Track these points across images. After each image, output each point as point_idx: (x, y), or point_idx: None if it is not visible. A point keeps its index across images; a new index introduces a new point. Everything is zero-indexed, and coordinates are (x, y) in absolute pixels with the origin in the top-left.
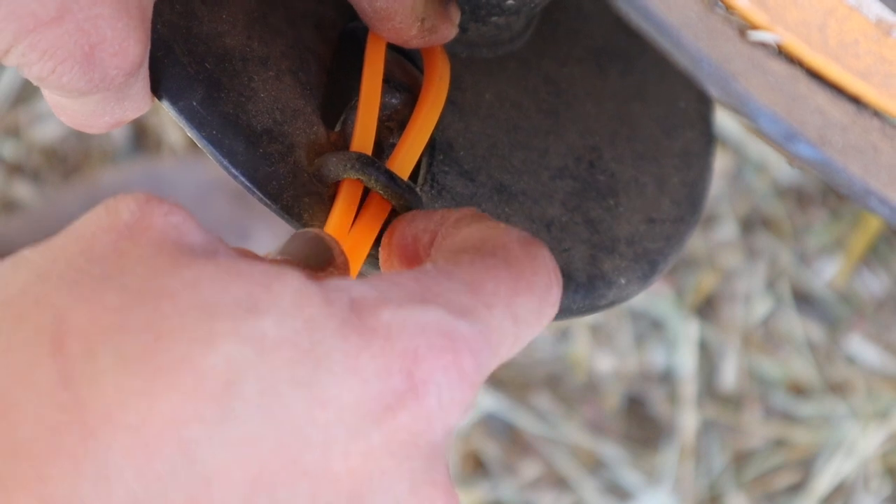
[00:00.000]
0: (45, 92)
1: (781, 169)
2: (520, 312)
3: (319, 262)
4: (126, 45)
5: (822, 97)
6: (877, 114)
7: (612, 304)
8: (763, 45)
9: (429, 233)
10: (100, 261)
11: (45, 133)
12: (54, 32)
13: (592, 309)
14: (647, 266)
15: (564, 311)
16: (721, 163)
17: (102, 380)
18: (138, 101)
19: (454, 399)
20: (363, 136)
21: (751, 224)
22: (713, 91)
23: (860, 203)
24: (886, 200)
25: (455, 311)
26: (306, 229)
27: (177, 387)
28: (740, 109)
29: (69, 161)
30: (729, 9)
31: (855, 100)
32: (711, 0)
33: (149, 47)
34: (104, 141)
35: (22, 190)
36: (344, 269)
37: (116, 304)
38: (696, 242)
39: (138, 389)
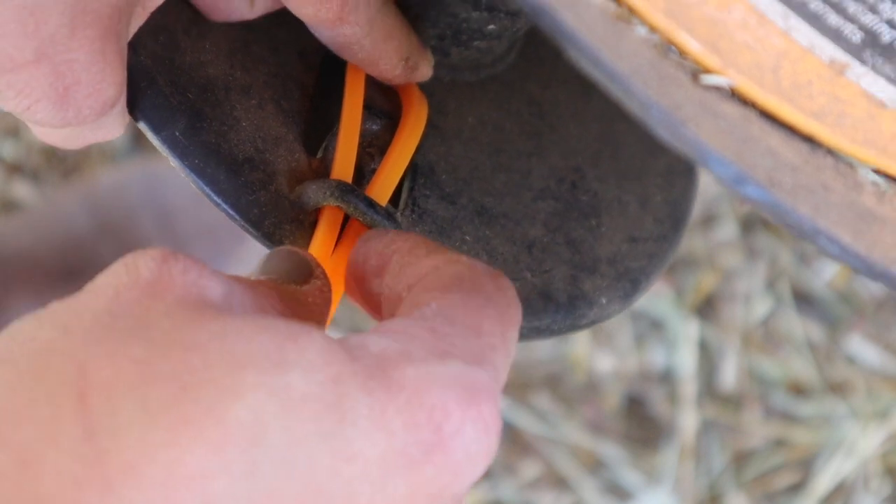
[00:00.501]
0: None
1: None
2: (510, 346)
3: (300, 276)
4: (101, 87)
5: (774, 138)
6: (830, 152)
7: (592, 322)
8: (716, 89)
9: (377, 256)
10: (124, 316)
11: None
12: (30, 73)
13: (573, 328)
14: (629, 285)
15: (545, 332)
16: None
17: (125, 432)
18: (112, 129)
19: (481, 450)
20: (343, 164)
21: (751, 224)
22: (663, 136)
23: (810, 241)
24: (835, 238)
25: (471, 360)
26: (280, 247)
27: (202, 439)
28: (691, 154)
29: (69, 161)
30: (682, 54)
31: (808, 139)
32: (664, 46)
33: (124, 86)
34: (104, 141)
35: (22, 190)
36: (324, 281)
37: (142, 357)
38: (696, 242)
39: (162, 441)
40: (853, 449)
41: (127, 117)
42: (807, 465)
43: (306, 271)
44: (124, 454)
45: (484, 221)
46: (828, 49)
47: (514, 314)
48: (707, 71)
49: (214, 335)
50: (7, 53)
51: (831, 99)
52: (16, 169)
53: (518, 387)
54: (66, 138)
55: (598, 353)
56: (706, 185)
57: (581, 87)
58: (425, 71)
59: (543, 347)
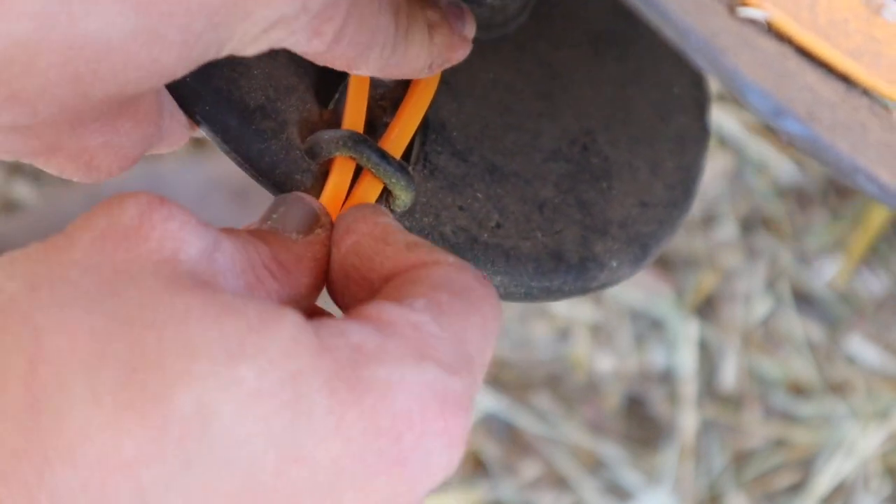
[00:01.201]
0: None
1: (781, 169)
2: (487, 358)
3: (304, 225)
4: (121, 153)
5: (811, 75)
6: (866, 92)
7: (603, 286)
8: (752, 22)
9: (343, 224)
10: (93, 273)
11: None
12: (47, 157)
13: (583, 291)
14: (639, 249)
15: (556, 293)
16: (721, 163)
17: (69, 411)
18: (177, 140)
19: (441, 464)
20: (354, 114)
21: (751, 224)
22: (701, 64)
23: (848, 180)
24: (874, 177)
25: (447, 367)
26: (286, 194)
27: (142, 426)
28: (729, 85)
29: None
30: None
31: (844, 78)
32: None
33: (149, 138)
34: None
35: (22, 190)
36: (328, 227)
37: (99, 330)
38: (696, 242)
39: (103, 424)
40: (853, 449)
41: (189, 130)
42: (807, 465)
43: (311, 219)
44: (65, 433)
45: (495, 179)
46: None
47: (496, 325)
48: (744, 3)
49: (175, 315)
50: (16, 149)
51: (867, 38)
52: (16, 169)
53: (518, 387)
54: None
55: (598, 353)
56: (707, 186)
57: (593, 50)
58: (460, 54)
59: (543, 347)
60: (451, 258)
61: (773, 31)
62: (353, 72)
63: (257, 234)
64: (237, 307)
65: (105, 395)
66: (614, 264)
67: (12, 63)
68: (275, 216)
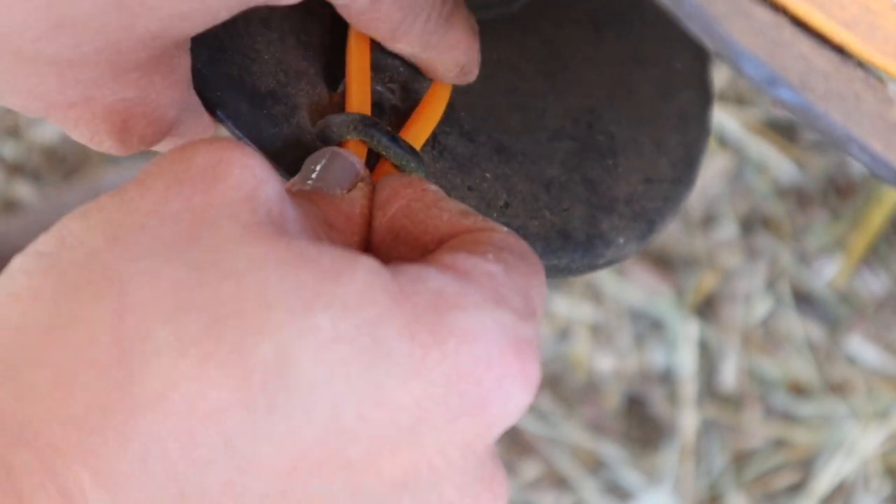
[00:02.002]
0: None
1: (781, 169)
2: (541, 316)
3: (346, 180)
4: (157, 113)
5: (805, 45)
6: (860, 64)
7: (609, 262)
8: None
9: (389, 189)
10: (171, 221)
11: (45, 133)
12: (81, 111)
13: (591, 268)
14: (645, 225)
15: (564, 270)
16: (721, 163)
17: (156, 361)
18: (196, 133)
19: (518, 406)
20: (359, 97)
21: (751, 224)
22: (696, 32)
23: (841, 149)
24: (867, 148)
25: (520, 314)
26: (322, 149)
27: (226, 374)
28: (723, 52)
29: (69, 161)
30: None
31: (839, 49)
32: None
33: (185, 102)
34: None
35: (22, 190)
36: (370, 183)
37: (181, 281)
38: (696, 242)
39: (189, 374)
40: (853, 449)
41: (210, 123)
42: (807, 465)
43: (353, 174)
44: (151, 383)
45: (503, 159)
46: None
47: (546, 293)
48: None
49: (254, 263)
50: (53, 98)
51: (863, 9)
52: (17, 169)
53: None
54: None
55: (598, 353)
56: (707, 186)
57: (594, 28)
58: (475, 72)
59: (543, 347)
60: (504, 228)
61: (768, 1)
62: (394, 44)
63: (303, 194)
64: (312, 255)
65: (189, 344)
66: (621, 241)
67: None
68: (314, 175)
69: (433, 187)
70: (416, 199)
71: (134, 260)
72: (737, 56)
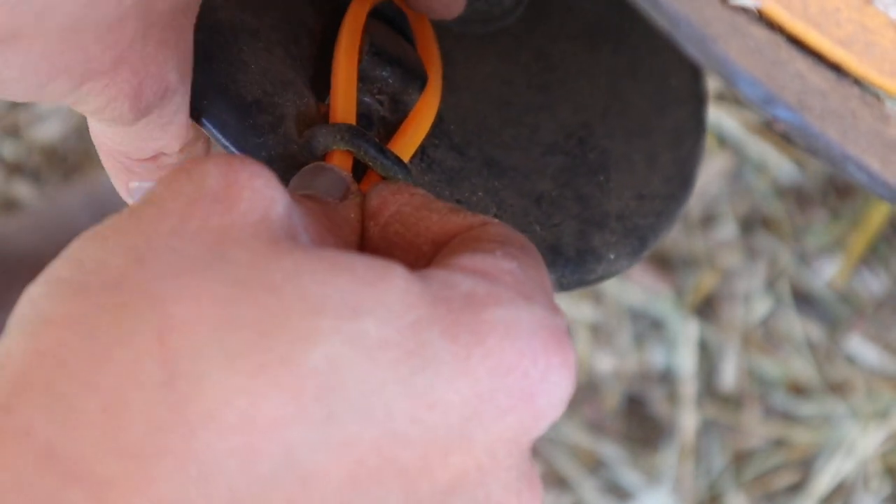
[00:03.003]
0: (91, 124)
1: (781, 169)
2: None
3: (340, 191)
4: (164, 72)
5: (802, 63)
6: (857, 82)
7: (601, 278)
8: (744, 11)
9: (378, 198)
10: (196, 241)
11: (45, 133)
12: (111, 77)
13: (581, 283)
14: (637, 241)
15: (554, 285)
16: (721, 163)
17: (206, 378)
18: (179, 129)
19: (563, 395)
20: (344, 107)
21: (751, 224)
22: (693, 53)
23: (838, 169)
24: (864, 166)
25: (549, 307)
26: (316, 164)
27: (279, 386)
28: (720, 72)
29: (69, 161)
30: None
31: (835, 67)
32: None
33: (187, 73)
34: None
35: (22, 190)
36: (360, 194)
37: (221, 297)
38: (696, 242)
39: (241, 388)
40: (853, 449)
41: (191, 126)
42: (807, 465)
43: (343, 186)
44: (205, 400)
45: (493, 173)
46: None
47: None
48: None
49: (290, 275)
50: (88, 66)
51: (859, 27)
52: (17, 169)
53: None
54: (136, 139)
55: (598, 353)
56: (706, 186)
57: (589, 43)
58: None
59: None
60: (494, 219)
61: (764, 20)
62: None
63: (303, 201)
64: (345, 263)
65: (238, 359)
66: (612, 256)
67: None
68: (304, 185)
69: (420, 191)
70: (405, 203)
71: (168, 279)
72: (733, 76)
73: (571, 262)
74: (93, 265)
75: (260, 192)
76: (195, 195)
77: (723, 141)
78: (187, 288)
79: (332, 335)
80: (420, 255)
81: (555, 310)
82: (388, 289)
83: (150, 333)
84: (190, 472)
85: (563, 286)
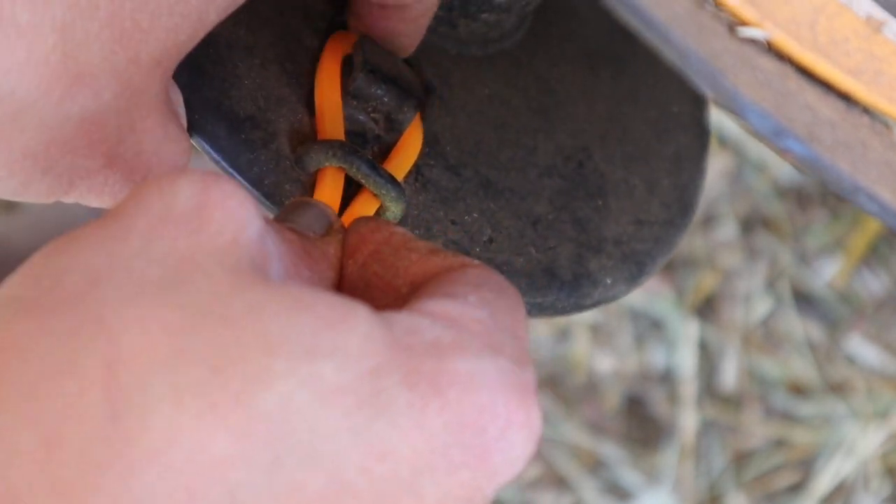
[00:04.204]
0: None
1: (781, 169)
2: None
3: (320, 228)
4: (171, 162)
5: (811, 94)
6: (866, 111)
7: (597, 303)
8: (753, 42)
9: (356, 235)
10: (157, 264)
11: None
12: (106, 175)
13: (577, 308)
14: (635, 267)
15: (548, 309)
16: (721, 163)
17: (152, 414)
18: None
19: (522, 455)
20: (331, 123)
21: (751, 224)
22: (702, 86)
23: (850, 199)
24: (875, 197)
25: (517, 360)
26: (300, 198)
27: (227, 426)
28: (729, 105)
29: None
30: (718, 5)
31: (845, 97)
32: None
33: (190, 148)
34: None
35: None
36: (342, 231)
37: (175, 327)
38: (696, 242)
39: (188, 427)
40: (853, 449)
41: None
42: (807, 465)
43: (325, 223)
44: (149, 438)
45: (489, 195)
46: (865, 5)
47: (528, 329)
48: (744, 23)
49: (250, 309)
50: (80, 166)
51: (868, 56)
52: None
53: None
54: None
55: (598, 353)
56: (706, 186)
57: (590, 67)
58: None
59: (543, 347)
60: (476, 261)
61: (773, 51)
62: None
63: (281, 231)
64: (308, 301)
65: (187, 395)
66: (609, 281)
67: None
68: (293, 218)
69: (400, 230)
70: (384, 242)
71: (122, 304)
72: (743, 109)
73: (567, 285)
74: (48, 283)
75: (232, 214)
76: (164, 214)
77: (723, 141)
78: (140, 317)
79: (287, 377)
80: (398, 296)
81: (523, 363)
82: (348, 331)
83: (97, 363)
84: None
85: (558, 310)
